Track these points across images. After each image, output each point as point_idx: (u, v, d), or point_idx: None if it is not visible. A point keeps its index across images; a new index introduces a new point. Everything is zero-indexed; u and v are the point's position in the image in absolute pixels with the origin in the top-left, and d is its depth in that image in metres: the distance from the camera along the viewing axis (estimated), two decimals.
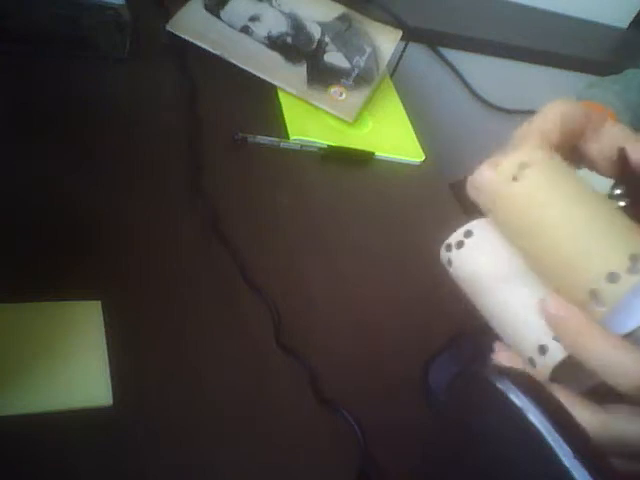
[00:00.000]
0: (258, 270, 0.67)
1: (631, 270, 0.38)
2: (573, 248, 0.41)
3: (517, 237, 0.44)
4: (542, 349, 0.41)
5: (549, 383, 0.41)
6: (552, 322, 0.41)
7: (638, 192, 0.48)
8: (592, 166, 0.53)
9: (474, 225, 0.47)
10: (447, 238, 0.47)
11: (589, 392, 0.41)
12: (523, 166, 0.43)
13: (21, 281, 0.57)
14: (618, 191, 0.48)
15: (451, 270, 0.47)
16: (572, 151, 0.51)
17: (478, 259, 0.46)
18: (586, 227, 0.41)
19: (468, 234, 0.46)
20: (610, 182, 0.50)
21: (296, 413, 0.59)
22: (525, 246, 0.44)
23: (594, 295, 0.40)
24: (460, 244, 0.46)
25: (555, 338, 0.41)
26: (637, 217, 0.44)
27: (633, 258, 0.39)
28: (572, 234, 0.41)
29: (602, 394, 0.41)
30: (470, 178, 0.46)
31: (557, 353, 0.41)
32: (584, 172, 0.52)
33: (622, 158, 0.49)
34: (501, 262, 0.45)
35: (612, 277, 0.39)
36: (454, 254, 0.47)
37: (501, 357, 0.43)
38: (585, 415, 0.39)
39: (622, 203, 0.47)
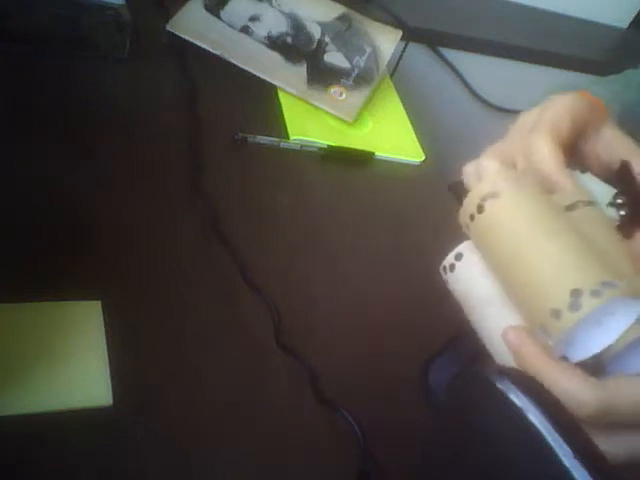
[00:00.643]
0: (258, 270, 0.67)
1: (572, 307, 0.39)
2: (524, 282, 0.42)
3: (490, 259, 0.46)
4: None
5: (554, 360, 0.41)
6: (512, 351, 0.42)
7: (637, 204, 0.48)
8: (586, 165, 0.53)
9: (464, 247, 0.48)
10: (444, 258, 0.50)
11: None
12: (484, 198, 0.45)
13: (21, 281, 0.57)
14: (619, 200, 0.48)
15: (450, 289, 0.50)
16: (574, 148, 0.51)
17: (465, 282, 0.48)
18: (534, 262, 0.42)
19: (458, 257, 0.48)
20: (610, 190, 0.50)
21: (296, 413, 0.59)
22: (497, 268, 0.46)
23: (543, 329, 0.41)
24: (452, 267, 0.49)
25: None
26: (635, 227, 0.45)
27: (574, 294, 0.39)
28: (522, 269, 0.43)
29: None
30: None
31: None
32: (588, 177, 0.52)
33: (625, 170, 0.50)
34: (483, 284, 0.47)
35: (555, 313, 0.40)
36: (449, 276, 0.49)
37: (510, 333, 0.43)
38: (583, 386, 0.40)
39: (622, 212, 0.48)
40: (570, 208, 0.45)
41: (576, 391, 0.38)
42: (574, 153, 0.51)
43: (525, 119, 0.53)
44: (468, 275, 0.48)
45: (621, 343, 0.41)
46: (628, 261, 0.43)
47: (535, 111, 0.52)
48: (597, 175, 0.53)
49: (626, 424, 0.40)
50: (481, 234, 0.46)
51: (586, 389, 0.39)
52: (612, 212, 0.48)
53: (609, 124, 0.53)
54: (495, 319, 0.46)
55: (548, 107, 0.51)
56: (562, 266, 0.41)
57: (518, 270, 0.43)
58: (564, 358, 0.42)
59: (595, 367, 0.42)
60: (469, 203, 0.46)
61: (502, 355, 0.44)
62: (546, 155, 0.47)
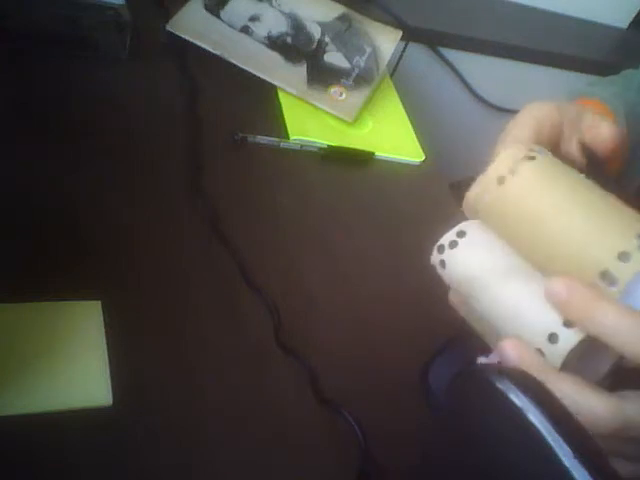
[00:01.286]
0: (258, 270, 0.67)
1: None
2: (579, 233, 0.41)
3: (515, 233, 0.44)
4: (552, 337, 0.41)
5: (558, 372, 0.40)
6: (561, 301, 0.40)
7: (597, 163, 0.49)
8: (575, 164, 0.53)
9: (466, 225, 0.47)
10: (438, 241, 0.48)
11: (599, 382, 0.41)
12: (516, 163, 0.44)
13: (21, 281, 0.57)
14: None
15: (445, 272, 0.47)
16: (555, 153, 0.51)
17: (473, 257, 0.46)
18: (590, 211, 0.42)
19: (461, 234, 0.46)
20: None
21: (296, 413, 0.59)
22: (524, 240, 0.44)
23: (605, 276, 0.40)
24: (453, 244, 0.46)
25: (565, 324, 0.40)
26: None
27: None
28: (577, 219, 0.41)
29: (612, 383, 0.41)
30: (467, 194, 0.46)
31: (569, 339, 0.40)
32: None
33: (586, 151, 0.50)
34: (497, 258, 0.45)
35: (623, 256, 0.39)
36: (447, 255, 0.46)
37: (508, 347, 0.41)
38: (596, 400, 0.38)
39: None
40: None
41: (590, 404, 0.37)
42: (563, 156, 0.51)
43: (502, 134, 0.53)
44: (475, 251, 0.46)
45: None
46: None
47: (509, 124, 0.52)
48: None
49: None
50: (509, 202, 0.44)
51: (601, 402, 0.38)
52: None
53: (588, 115, 0.53)
54: (521, 290, 0.43)
55: (511, 123, 0.51)
56: (621, 212, 0.41)
57: (569, 222, 0.42)
58: (629, 306, 0.40)
59: (593, 372, 0.41)
60: (497, 169, 0.44)
61: (532, 329, 0.42)
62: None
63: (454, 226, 0.47)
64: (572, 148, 0.53)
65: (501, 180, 0.44)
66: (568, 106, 0.54)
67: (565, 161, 0.50)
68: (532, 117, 0.51)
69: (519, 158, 0.44)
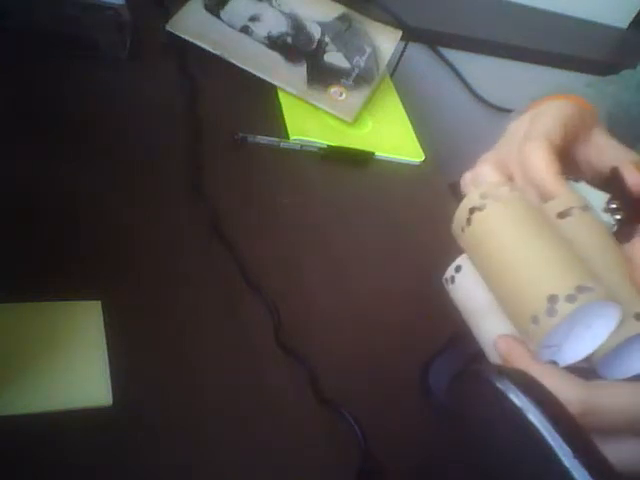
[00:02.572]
0: (258, 270, 0.67)
1: (549, 312, 0.40)
2: (508, 291, 0.44)
3: (480, 274, 0.47)
4: (534, 319, 0.43)
5: (539, 362, 0.42)
6: (501, 359, 0.44)
7: (632, 208, 0.49)
8: (578, 172, 0.54)
9: (463, 259, 0.49)
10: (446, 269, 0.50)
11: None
12: (471, 211, 0.46)
13: (21, 281, 0.57)
14: (613, 205, 0.49)
15: (452, 299, 0.50)
16: (568, 152, 0.51)
17: (463, 293, 0.49)
18: (516, 271, 0.43)
19: (458, 269, 0.49)
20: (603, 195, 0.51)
21: (296, 413, 0.59)
22: (486, 283, 0.46)
23: (526, 335, 0.42)
24: (452, 279, 0.49)
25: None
26: (631, 230, 0.46)
27: (551, 299, 0.40)
28: (506, 279, 0.44)
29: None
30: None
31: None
32: (582, 185, 0.53)
33: (615, 176, 0.50)
34: (478, 296, 0.48)
35: (534, 319, 0.41)
36: (450, 288, 0.50)
37: (501, 345, 0.44)
38: (564, 384, 0.40)
39: (618, 216, 0.49)
40: (563, 215, 0.46)
41: (558, 389, 0.38)
42: (567, 161, 0.51)
43: (517, 127, 0.53)
44: (465, 286, 0.49)
45: (606, 347, 0.41)
46: (617, 267, 0.44)
47: (526, 118, 0.53)
48: (589, 181, 0.53)
49: (612, 429, 0.40)
50: (471, 246, 0.47)
51: (569, 387, 0.40)
52: (607, 218, 0.48)
53: (599, 130, 0.54)
54: (489, 329, 0.46)
55: (539, 115, 0.52)
56: (539, 273, 0.42)
57: (503, 280, 0.44)
58: (553, 362, 0.42)
59: (588, 372, 0.42)
60: (459, 216, 0.47)
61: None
62: (542, 166, 0.48)
63: (456, 258, 0.50)
64: (577, 158, 0.53)
65: (462, 229, 0.46)
66: (585, 111, 0.54)
67: (574, 164, 0.51)
68: (561, 113, 0.51)
69: (471, 206, 0.46)
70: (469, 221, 0.45)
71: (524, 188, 0.49)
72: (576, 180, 0.54)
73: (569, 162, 0.52)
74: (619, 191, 0.50)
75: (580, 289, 0.40)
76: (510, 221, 0.45)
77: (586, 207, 0.46)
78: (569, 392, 0.39)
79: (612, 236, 0.46)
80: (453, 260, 0.50)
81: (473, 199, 0.46)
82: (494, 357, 0.45)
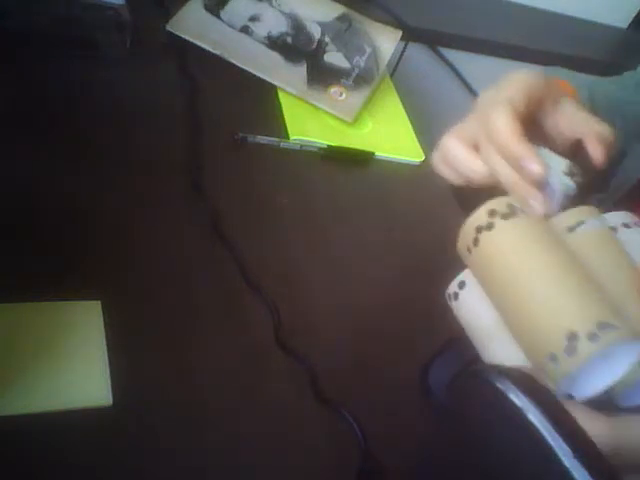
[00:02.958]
0: (258, 270, 0.67)
1: (569, 351, 0.38)
2: (521, 322, 0.41)
3: (488, 296, 0.45)
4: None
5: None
6: None
7: (590, 178, 0.49)
8: (546, 139, 0.54)
9: (467, 275, 0.47)
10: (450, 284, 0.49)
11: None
12: (478, 230, 0.44)
13: (21, 281, 0.57)
14: (574, 170, 0.48)
15: (455, 315, 0.49)
16: (532, 122, 0.51)
17: (469, 311, 0.47)
18: (529, 302, 0.40)
19: (462, 285, 0.47)
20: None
21: (296, 413, 0.59)
22: (495, 306, 0.44)
23: (541, 368, 0.40)
24: (456, 295, 0.48)
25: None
26: (587, 196, 0.45)
27: (570, 337, 0.38)
28: (518, 309, 0.41)
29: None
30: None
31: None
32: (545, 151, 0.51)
33: (580, 148, 0.50)
34: (484, 317, 0.45)
35: (552, 357, 0.38)
36: (453, 304, 0.48)
37: None
38: (590, 423, 0.38)
39: (579, 180, 0.47)
40: (573, 228, 0.44)
41: (586, 427, 0.37)
42: (535, 128, 0.52)
43: (483, 98, 0.54)
44: (471, 304, 0.46)
45: (628, 380, 0.39)
46: (631, 289, 0.41)
47: (492, 89, 0.53)
48: (557, 149, 0.53)
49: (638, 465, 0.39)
50: (479, 268, 0.44)
51: (597, 426, 0.38)
52: (568, 180, 0.47)
53: (570, 100, 0.54)
54: (499, 353, 0.44)
55: (504, 84, 0.52)
56: (557, 306, 0.39)
57: (516, 309, 0.41)
58: (569, 396, 0.40)
59: (606, 403, 0.40)
60: (465, 234, 0.45)
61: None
62: (507, 130, 0.48)
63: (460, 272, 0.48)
64: (546, 125, 0.53)
65: (469, 249, 0.44)
66: (552, 81, 0.54)
67: (541, 132, 0.50)
68: (525, 82, 0.52)
69: (478, 225, 0.44)
70: (476, 241, 0.43)
71: (489, 154, 0.49)
72: (539, 146, 0.53)
73: (535, 129, 0.52)
74: (581, 161, 0.49)
75: (602, 326, 0.37)
76: (521, 243, 0.42)
77: (595, 218, 0.45)
78: (595, 429, 0.37)
79: (621, 249, 0.44)
80: (455, 271, 0.48)
81: (480, 217, 0.44)
82: None
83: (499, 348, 0.44)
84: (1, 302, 0.55)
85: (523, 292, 0.41)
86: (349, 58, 0.98)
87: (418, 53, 1.27)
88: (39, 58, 0.78)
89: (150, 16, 0.91)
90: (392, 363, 0.66)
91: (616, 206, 0.50)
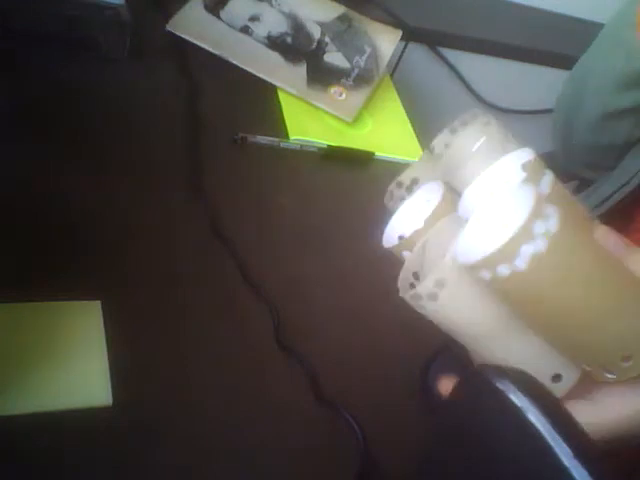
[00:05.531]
0: (258, 270, 0.67)
1: None
2: (580, 335, 0.38)
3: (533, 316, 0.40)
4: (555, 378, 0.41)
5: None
6: None
7: None
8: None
9: (443, 271, 0.40)
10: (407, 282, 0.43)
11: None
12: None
13: (21, 281, 0.57)
14: None
15: (425, 314, 0.43)
16: None
17: (456, 313, 0.42)
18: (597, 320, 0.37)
19: (440, 284, 0.40)
20: None
21: (296, 413, 0.59)
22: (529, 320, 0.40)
23: (607, 370, 0.38)
24: (434, 296, 0.41)
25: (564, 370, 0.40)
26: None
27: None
28: (579, 324, 0.37)
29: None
30: None
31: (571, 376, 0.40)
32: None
33: None
34: (480, 316, 0.41)
35: (626, 359, 0.37)
36: (428, 306, 0.42)
37: None
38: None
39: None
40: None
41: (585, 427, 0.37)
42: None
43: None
44: (460, 305, 0.41)
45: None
46: None
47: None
48: None
49: None
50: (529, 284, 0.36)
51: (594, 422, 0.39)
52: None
53: None
54: (497, 354, 0.42)
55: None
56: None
57: (575, 324, 0.37)
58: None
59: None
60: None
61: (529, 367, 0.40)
62: None
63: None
64: None
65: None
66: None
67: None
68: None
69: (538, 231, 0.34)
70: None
71: None
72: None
73: None
74: None
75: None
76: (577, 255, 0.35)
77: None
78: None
79: None
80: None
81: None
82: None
83: (499, 348, 0.43)
84: (1, 302, 0.55)
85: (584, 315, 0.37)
86: (349, 58, 0.98)
87: (418, 53, 1.27)
88: (39, 58, 0.78)
89: (150, 16, 0.91)
90: (392, 363, 0.66)
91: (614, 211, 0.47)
